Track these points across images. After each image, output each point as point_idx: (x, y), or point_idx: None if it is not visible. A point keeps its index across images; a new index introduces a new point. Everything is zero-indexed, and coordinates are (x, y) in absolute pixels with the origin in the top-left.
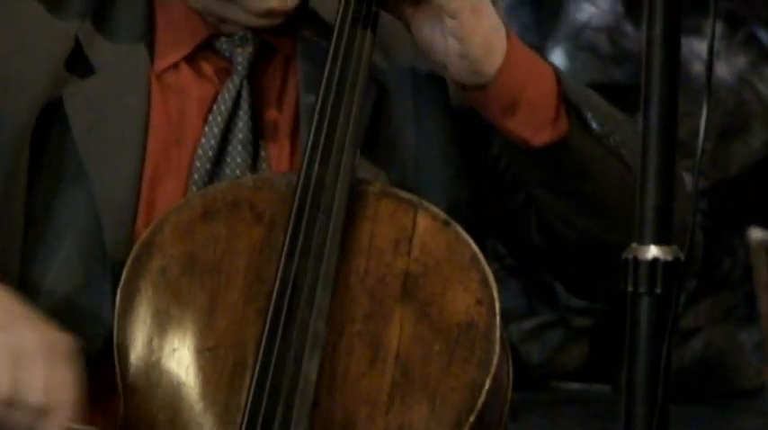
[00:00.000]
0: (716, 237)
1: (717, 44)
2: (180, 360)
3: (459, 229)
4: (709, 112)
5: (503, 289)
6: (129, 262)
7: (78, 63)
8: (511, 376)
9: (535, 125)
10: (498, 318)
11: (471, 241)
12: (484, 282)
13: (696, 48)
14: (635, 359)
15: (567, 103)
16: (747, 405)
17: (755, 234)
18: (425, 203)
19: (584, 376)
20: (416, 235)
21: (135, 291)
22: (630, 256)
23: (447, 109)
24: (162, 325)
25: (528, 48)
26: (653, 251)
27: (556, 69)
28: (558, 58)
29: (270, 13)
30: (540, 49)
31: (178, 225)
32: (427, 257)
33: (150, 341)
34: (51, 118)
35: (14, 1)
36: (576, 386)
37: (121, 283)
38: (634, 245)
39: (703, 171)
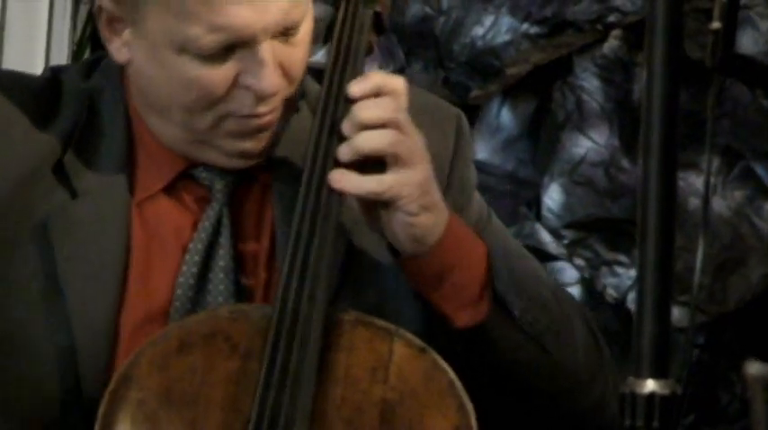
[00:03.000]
0: (713, 371)
1: (713, 179)
2: None
3: (436, 356)
4: (706, 247)
5: None
6: (107, 394)
7: (64, 180)
8: None
9: (457, 304)
10: None
11: (448, 368)
12: (461, 408)
13: (693, 182)
14: None
15: (493, 288)
16: None
17: (753, 368)
18: (401, 331)
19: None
20: (393, 362)
21: (113, 423)
22: (628, 390)
23: None
24: None
25: (468, 228)
26: (650, 385)
27: (491, 250)
28: (554, 192)
29: (244, 155)
30: (537, 185)
31: (154, 358)
32: (404, 385)
33: None
34: (36, 234)
35: (10, 103)
36: None
37: (99, 415)
38: (631, 378)
39: (700, 305)
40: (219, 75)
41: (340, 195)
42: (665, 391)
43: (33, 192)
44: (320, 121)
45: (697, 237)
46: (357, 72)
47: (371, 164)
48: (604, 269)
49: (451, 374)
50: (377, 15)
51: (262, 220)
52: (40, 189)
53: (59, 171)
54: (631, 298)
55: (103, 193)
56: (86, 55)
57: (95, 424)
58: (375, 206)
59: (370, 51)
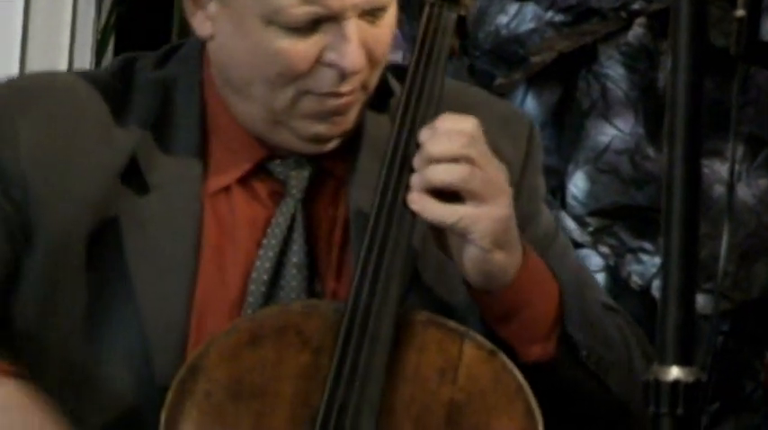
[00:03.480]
0: (738, 358)
1: (738, 166)
2: None
3: (506, 359)
4: (731, 234)
5: None
6: (174, 384)
7: (134, 178)
8: None
9: (524, 340)
10: None
11: (517, 371)
12: (529, 413)
13: (717, 170)
14: None
15: (562, 328)
16: None
17: None
18: (472, 333)
19: None
20: (462, 364)
21: (180, 414)
22: (652, 378)
23: None
24: None
25: (542, 264)
26: (674, 372)
27: (563, 289)
28: (579, 180)
29: (317, 139)
30: (561, 172)
31: (225, 349)
32: (473, 386)
33: None
34: (107, 234)
35: (81, 105)
36: None
37: (166, 405)
38: (655, 366)
39: (725, 292)
40: (304, 48)
41: (413, 215)
42: (690, 378)
43: (106, 192)
44: (393, 150)
45: (722, 225)
46: (440, 75)
47: (453, 196)
48: (629, 256)
49: (520, 378)
50: (461, 19)
51: (335, 217)
52: (113, 187)
53: (132, 166)
54: (656, 285)
55: (176, 187)
56: (111, 43)
57: (162, 413)
58: (445, 236)
59: (452, 54)
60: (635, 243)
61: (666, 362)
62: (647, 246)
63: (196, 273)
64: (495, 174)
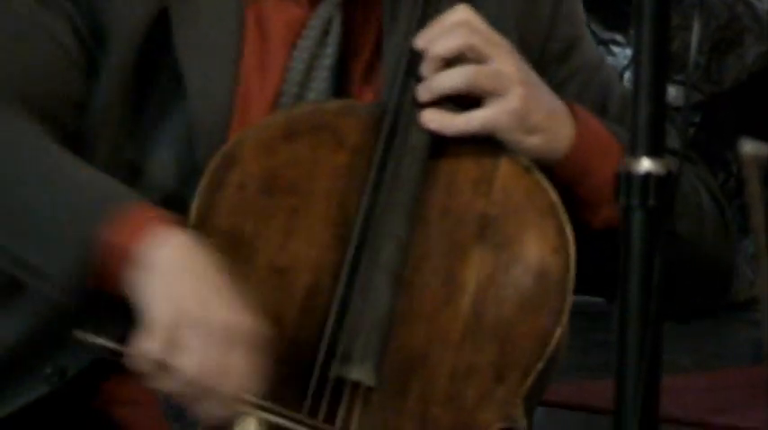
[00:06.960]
0: (709, 150)
1: None
2: (252, 277)
3: (540, 177)
4: (702, 26)
5: None
6: (208, 172)
7: None
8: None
9: (592, 205)
10: (573, 269)
11: (552, 190)
12: (561, 231)
13: None
14: (628, 272)
15: None
16: (740, 316)
17: (747, 147)
18: (508, 148)
19: (580, 288)
20: (497, 177)
21: (212, 202)
22: (623, 170)
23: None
24: (236, 241)
25: (600, 128)
26: (646, 164)
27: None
28: None
29: None
30: None
31: (260, 142)
32: (506, 201)
33: (224, 255)
34: (158, 28)
35: None
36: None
37: (199, 191)
38: (627, 157)
39: (696, 84)
40: None
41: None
42: (661, 170)
43: None
44: (404, 58)
45: (693, 16)
46: None
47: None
48: (601, 48)
49: (554, 196)
50: None
51: (370, 24)
52: None
53: None
54: (627, 77)
55: None
56: None
57: (193, 202)
58: None
59: None
60: (606, 34)
61: (638, 154)
62: (618, 37)
63: (239, 67)
64: (502, 59)
